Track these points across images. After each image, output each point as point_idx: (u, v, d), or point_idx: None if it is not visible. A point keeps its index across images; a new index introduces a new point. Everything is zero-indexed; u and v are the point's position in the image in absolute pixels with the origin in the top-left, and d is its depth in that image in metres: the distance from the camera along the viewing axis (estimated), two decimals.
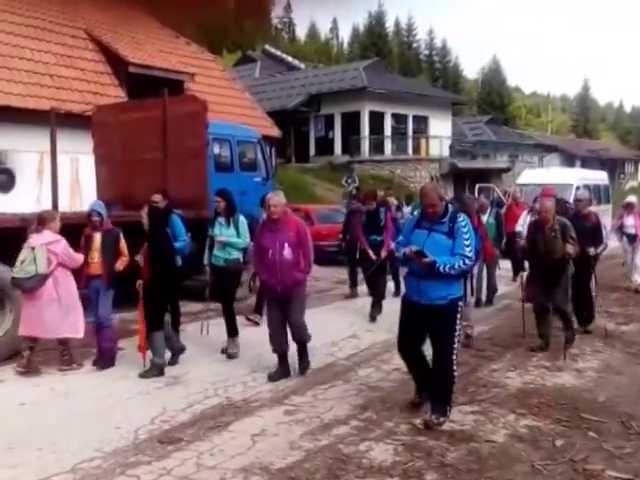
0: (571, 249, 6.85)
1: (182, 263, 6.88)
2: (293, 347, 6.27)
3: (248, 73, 33.51)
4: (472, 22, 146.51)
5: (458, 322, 4.82)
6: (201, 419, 5.03)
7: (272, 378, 5.97)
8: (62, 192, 9.25)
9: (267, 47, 41.34)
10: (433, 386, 4.97)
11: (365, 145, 29.24)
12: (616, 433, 4.82)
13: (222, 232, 6.99)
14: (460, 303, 4.87)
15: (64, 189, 9.76)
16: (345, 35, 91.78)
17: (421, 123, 31.90)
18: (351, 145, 28.90)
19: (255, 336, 7.03)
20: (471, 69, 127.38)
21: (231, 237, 6.97)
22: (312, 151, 30.48)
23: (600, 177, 20.12)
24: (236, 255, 7.03)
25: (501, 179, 28.55)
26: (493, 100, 58.60)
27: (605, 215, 18.39)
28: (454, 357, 4.82)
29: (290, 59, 38.55)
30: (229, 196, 7.10)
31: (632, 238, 11.44)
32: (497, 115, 49.53)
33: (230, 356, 6.79)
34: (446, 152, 30.09)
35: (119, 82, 14.94)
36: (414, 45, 67.62)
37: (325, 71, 34.22)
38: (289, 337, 6.17)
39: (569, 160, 39.80)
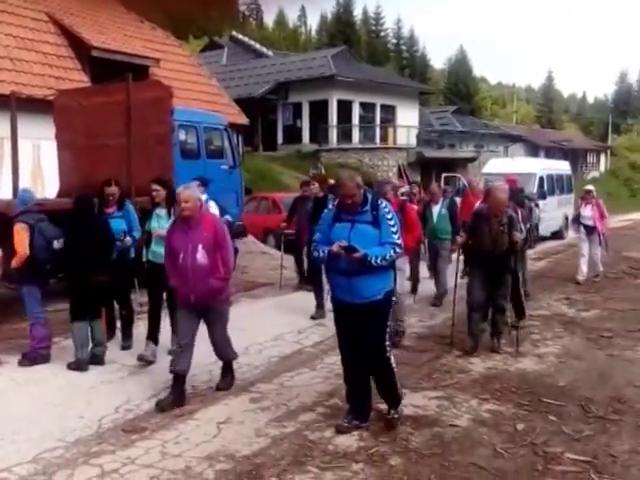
0: (519, 237, 6.38)
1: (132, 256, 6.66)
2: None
3: (215, 60, 33.10)
4: (439, 12, 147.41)
5: (389, 315, 4.55)
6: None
7: (161, 407, 4.91)
8: (23, 179, 9.06)
9: (234, 33, 40.93)
10: (378, 389, 4.73)
11: (333, 134, 29.21)
12: (575, 417, 4.94)
13: (161, 225, 6.11)
14: (393, 297, 4.60)
15: (25, 176, 9.55)
16: (313, 23, 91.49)
17: (389, 112, 31.97)
18: (319, 133, 28.84)
19: None
20: (438, 59, 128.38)
21: None
22: (280, 139, 30.33)
23: (563, 167, 20.48)
24: None
25: (467, 169, 28.84)
26: (460, 90, 59.09)
27: (567, 205, 18.80)
28: (388, 351, 4.57)
29: (258, 46, 38.19)
30: (170, 185, 6.43)
31: (590, 230, 10.98)
32: (463, 105, 49.96)
33: (144, 360, 6.06)
34: (413, 141, 30.27)
35: (82, 66, 14.60)
36: (382, 34, 67.73)
37: (293, 59, 34.01)
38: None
39: (533, 150, 40.38)
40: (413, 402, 5.15)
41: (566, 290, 10.33)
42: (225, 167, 11.11)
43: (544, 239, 16.25)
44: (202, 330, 5.29)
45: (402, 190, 14.19)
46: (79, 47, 14.70)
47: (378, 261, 4.31)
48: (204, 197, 6.63)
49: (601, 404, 5.16)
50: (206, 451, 4.21)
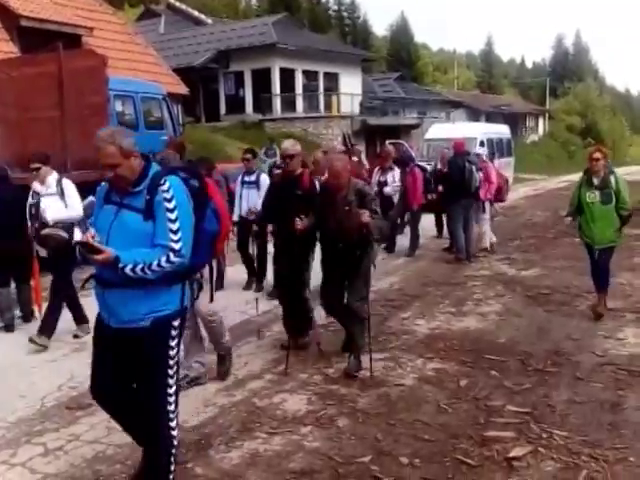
0: (367, 218, 4.73)
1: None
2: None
3: (152, 28, 32.08)
4: None
5: (173, 351, 3.11)
6: None
7: None
8: None
9: (172, 1, 39.66)
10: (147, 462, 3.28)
11: (277, 103, 28.89)
12: (516, 371, 5.11)
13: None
14: (176, 324, 3.10)
15: None
16: None
17: (332, 80, 31.78)
18: (262, 103, 28.48)
19: None
20: (380, 26, 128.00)
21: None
22: (223, 110, 29.80)
23: (503, 131, 20.88)
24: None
25: (410, 135, 29.05)
26: (402, 57, 59.13)
27: (508, 167, 19.22)
28: (171, 409, 3.11)
29: (196, 14, 37.16)
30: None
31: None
32: (406, 72, 50.04)
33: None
34: (357, 109, 30.22)
35: (10, 37, 14.02)
36: (323, 0, 66.92)
37: (233, 26, 33.26)
38: None
39: (474, 115, 40.92)
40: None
41: (507, 250, 10.61)
42: (165, 138, 10.86)
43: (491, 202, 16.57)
44: None
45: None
46: (7, 16, 14.11)
47: (137, 271, 2.89)
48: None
49: (540, 358, 5.36)
50: None
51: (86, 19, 16.05)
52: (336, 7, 67.56)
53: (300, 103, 29.87)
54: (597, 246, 6.45)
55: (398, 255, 10.24)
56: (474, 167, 9.77)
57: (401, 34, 63.41)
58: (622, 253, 9.85)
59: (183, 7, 38.31)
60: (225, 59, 29.16)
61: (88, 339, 5.90)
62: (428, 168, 11.45)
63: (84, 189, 6.27)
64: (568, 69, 71.91)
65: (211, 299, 4.18)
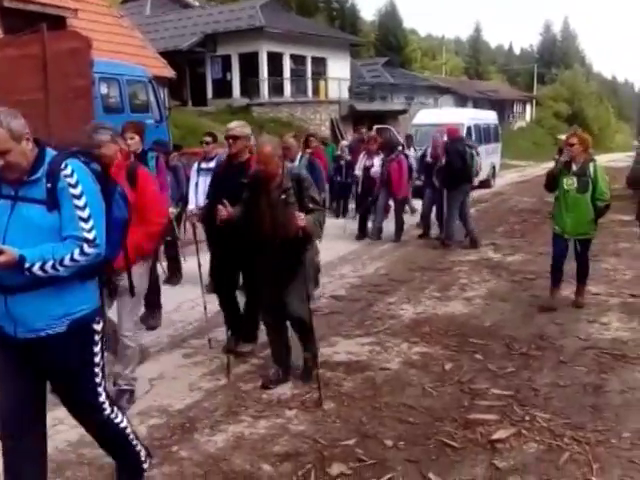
0: (303, 221, 4.10)
1: None
2: None
3: (138, 11, 31.68)
4: None
5: (97, 357, 2.79)
6: None
7: None
8: None
9: None
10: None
11: (264, 87, 28.68)
12: (500, 354, 5.15)
13: None
14: (97, 327, 2.76)
15: None
16: None
17: (320, 65, 31.58)
18: (250, 87, 28.25)
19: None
20: (368, 10, 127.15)
21: None
22: (210, 93, 29.57)
23: (490, 117, 20.90)
24: None
25: (398, 121, 28.99)
26: (390, 42, 58.82)
27: (495, 153, 19.27)
28: (109, 411, 2.87)
29: None
30: None
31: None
32: (394, 57, 49.84)
33: None
34: (345, 94, 30.07)
35: None
36: None
37: (221, 9, 32.88)
38: None
39: (462, 101, 40.86)
40: (346, 349, 5.26)
41: (493, 236, 10.67)
42: (151, 121, 10.77)
43: (473, 187, 16.62)
44: None
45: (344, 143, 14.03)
46: None
47: (48, 269, 2.52)
48: None
49: (524, 342, 5.40)
50: (138, 408, 4.18)
51: (70, 0, 15.80)
52: None
53: (288, 87, 29.70)
54: (567, 236, 6.26)
55: (384, 241, 10.26)
56: (474, 151, 9.81)
57: (389, 19, 62.99)
58: (607, 238, 9.96)
59: None
60: (212, 42, 28.88)
61: None
62: (411, 154, 11.38)
63: None
64: (555, 56, 71.92)
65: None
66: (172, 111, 15.22)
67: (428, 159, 10.43)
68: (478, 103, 39.28)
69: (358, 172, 10.70)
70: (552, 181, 6.32)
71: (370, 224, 10.58)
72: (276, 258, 4.31)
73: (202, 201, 6.17)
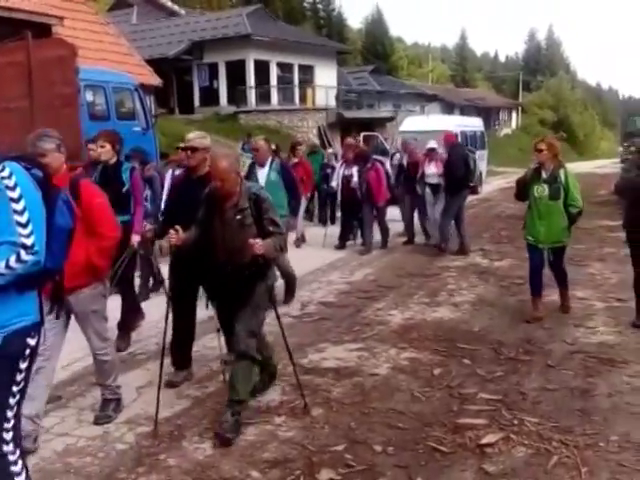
0: (261, 248, 3.69)
1: None
2: None
3: (124, 19, 31.56)
4: None
5: (20, 376, 2.56)
6: (83, 376, 4.86)
7: None
8: None
9: None
10: None
11: (251, 95, 28.73)
12: (488, 359, 5.16)
13: None
14: (31, 341, 2.57)
15: None
16: None
17: (307, 72, 31.69)
18: (237, 95, 28.30)
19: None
20: (355, 18, 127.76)
21: None
22: (197, 102, 29.56)
23: (476, 124, 21.03)
24: None
25: (385, 128, 29.11)
26: (377, 50, 59.15)
27: (481, 160, 19.34)
28: (6, 453, 2.56)
29: (170, 4, 36.67)
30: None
31: (435, 188, 9.97)
32: (381, 65, 50.08)
33: None
34: (332, 102, 30.19)
35: None
36: None
37: (207, 17, 32.94)
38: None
39: (449, 108, 41.14)
40: (335, 355, 5.25)
41: (480, 242, 10.71)
42: (137, 129, 10.74)
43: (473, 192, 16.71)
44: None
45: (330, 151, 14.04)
46: None
47: None
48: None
49: (512, 346, 5.42)
50: (125, 415, 4.15)
51: (57, 8, 15.72)
52: None
53: (275, 95, 29.76)
54: (541, 245, 6.09)
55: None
56: (476, 156, 9.89)
57: (376, 27, 63.36)
58: (594, 243, 10.04)
59: None
60: (199, 50, 28.91)
61: None
62: (387, 162, 11.36)
63: None
64: (541, 63, 72.65)
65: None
66: (159, 119, 15.19)
67: (403, 164, 10.50)
68: (465, 110, 39.60)
69: (334, 184, 10.50)
70: (522, 189, 6.13)
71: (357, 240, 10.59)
72: (228, 285, 3.94)
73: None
